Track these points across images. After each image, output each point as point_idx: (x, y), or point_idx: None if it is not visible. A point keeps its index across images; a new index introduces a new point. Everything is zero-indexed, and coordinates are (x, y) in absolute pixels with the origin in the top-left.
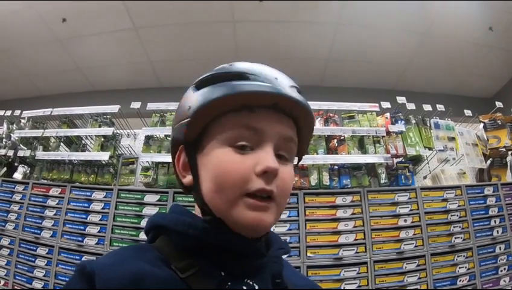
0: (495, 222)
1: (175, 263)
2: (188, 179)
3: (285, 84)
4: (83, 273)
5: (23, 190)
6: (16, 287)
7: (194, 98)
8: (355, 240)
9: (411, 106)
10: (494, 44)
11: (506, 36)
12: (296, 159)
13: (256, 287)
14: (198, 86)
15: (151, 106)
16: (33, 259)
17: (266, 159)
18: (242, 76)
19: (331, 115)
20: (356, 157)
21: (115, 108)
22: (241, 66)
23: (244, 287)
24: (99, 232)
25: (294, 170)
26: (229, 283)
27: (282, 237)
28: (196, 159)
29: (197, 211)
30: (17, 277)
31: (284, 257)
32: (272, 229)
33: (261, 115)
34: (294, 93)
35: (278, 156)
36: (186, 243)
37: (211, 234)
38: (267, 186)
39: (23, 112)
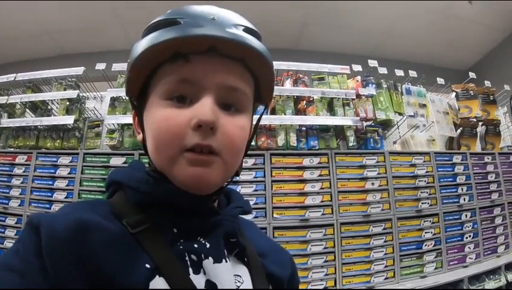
0: (462, 189)
1: (127, 218)
2: (140, 136)
3: (225, 23)
4: (31, 226)
5: None
6: None
7: (132, 51)
8: (322, 201)
9: (383, 70)
10: (474, 18)
11: (485, 11)
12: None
13: (208, 246)
14: (141, 38)
15: (117, 66)
16: (2, 230)
17: (201, 112)
18: (174, 21)
19: (300, 76)
20: (324, 119)
21: (79, 70)
22: (176, 10)
23: (196, 245)
24: (66, 198)
25: (262, 130)
26: (181, 240)
27: (248, 198)
28: (143, 115)
29: None
30: None
31: (249, 217)
32: (238, 190)
33: (197, 63)
34: (235, 33)
35: (226, 106)
36: (139, 199)
37: (160, 189)
38: (203, 140)
39: None
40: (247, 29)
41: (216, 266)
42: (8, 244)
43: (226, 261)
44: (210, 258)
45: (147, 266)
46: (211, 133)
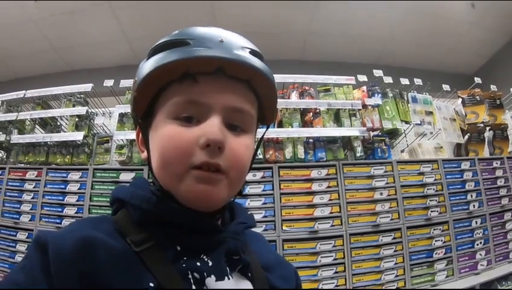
0: (471, 196)
1: (131, 236)
2: (144, 154)
3: (233, 46)
4: (38, 243)
5: (0, 175)
6: None
7: (139, 71)
8: (331, 213)
9: (388, 80)
10: (476, 21)
11: (488, 14)
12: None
13: (210, 263)
14: (147, 58)
15: (125, 82)
16: (14, 244)
17: (209, 131)
18: (182, 42)
19: (306, 88)
20: (331, 131)
21: (88, 87)
22: (184, 32)
23: (198, 263)
24: (76, 213)
25: (269, 143)
26: (185, 258)
27: (257, 211)
28: (148, 134)
29: None
30: None
31: (256, 230)
32: (247, 204)
33: (205, 84)
34: (242, 55)
35: (231, 126)
36: (142, 217)
37: (162, 208)
38: (211, 159)
39: None
40: (252, 52)
41: (218, 284)
42: (19, 258)
43: (229, 279)
44: (212, 276)
45: (151, 284)
46: (219, 152)
